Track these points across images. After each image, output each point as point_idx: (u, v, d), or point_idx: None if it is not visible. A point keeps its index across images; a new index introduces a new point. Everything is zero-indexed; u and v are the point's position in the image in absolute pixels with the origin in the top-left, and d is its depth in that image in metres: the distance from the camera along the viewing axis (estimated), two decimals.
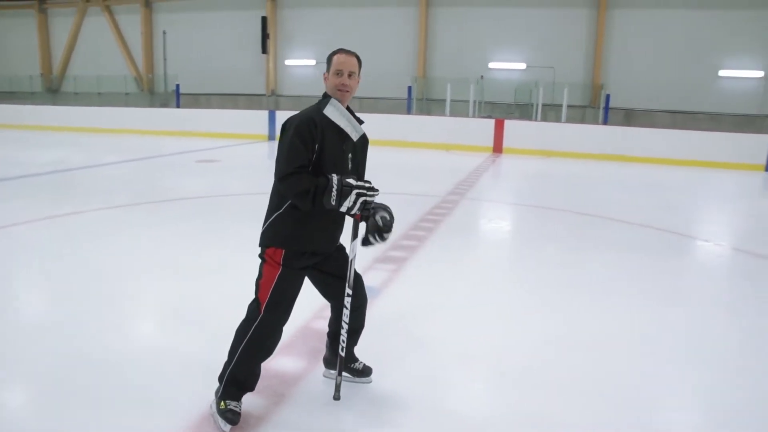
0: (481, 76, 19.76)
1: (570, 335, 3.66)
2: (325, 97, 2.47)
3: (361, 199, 2.36)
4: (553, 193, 9.91)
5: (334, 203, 2.32)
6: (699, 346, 3.66)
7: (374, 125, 18.09)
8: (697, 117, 18.50)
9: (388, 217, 2.47)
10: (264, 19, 21.08)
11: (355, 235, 2.55)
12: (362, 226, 2.53)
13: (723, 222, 8.56)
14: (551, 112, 18.62)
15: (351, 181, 2.36)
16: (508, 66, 20.36)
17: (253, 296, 2.49)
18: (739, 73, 18.53)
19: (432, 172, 11.78)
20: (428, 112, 20.17)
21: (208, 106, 21.47)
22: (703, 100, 18.75)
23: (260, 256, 2.50)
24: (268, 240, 2.46)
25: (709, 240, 6.93)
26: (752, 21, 18.22)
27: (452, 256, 5.56)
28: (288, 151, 2.32)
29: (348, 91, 2.46)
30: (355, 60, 2.47)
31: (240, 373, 2.44)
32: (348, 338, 2.64)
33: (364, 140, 2.47)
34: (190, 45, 22.72)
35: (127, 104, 22.07)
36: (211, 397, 2.54)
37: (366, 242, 2.51)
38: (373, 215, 2.45)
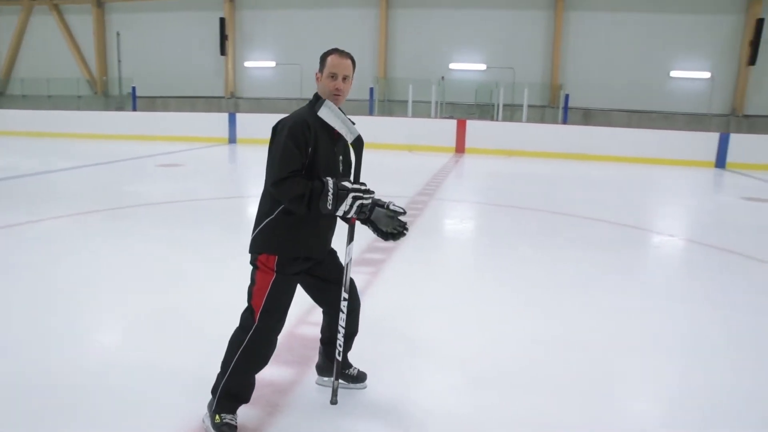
0: (442, 77, 19.92)
1: (555, 333, 3.69)
2: (317, 98, 2.41)
3: (358, 202, 2.31)
4: (519, 192, 10.05)
5: (330, 207, 2.27)
6: (673, 338, 3.75)
7: None
8: (652, 116, 19.12)
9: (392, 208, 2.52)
10: (222, 20, 20.73)
11: (350, 239, 2.50)
12: (356, 225, 2.49)
13: (681, 217, 8.86)
14: (512, 112, 18.92)
15: (347, 184, 2.30)
16: (468, 67, 20.58)
17: (245, 305, 2.41)
18: (689, 74, 19.25)
19: (398, 173, 11.79)
20: (390, 113, 20.21)
21: (166, 109, 20.96)
22: (656, 99, 19.39)
23: (252, 262, 2.42)
24: (259, 246, 2.38)
25: (671, 234, 7.15)
26: (699, 25, 18.96)
27: (428, 257, 5.57)
28: (282, 155, 2.25)
29: (341, 96, 2.40)
30: (349, 62, 2.41)
31: (235, 385, 2.36)
32: (344, 342, 2.59)
33: (359, 142, 2.42)
34: (146, 47, 22.14)
35: (79, 108, 21.36)
36: (201, 411, 2.45)
37: (388, 236, 2.53)
38: (382, 207, 2.48)
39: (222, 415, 2.34)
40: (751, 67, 18.58)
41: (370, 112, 19.32)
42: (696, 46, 19.11)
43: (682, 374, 3.23)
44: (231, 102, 21.59)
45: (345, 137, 2.39)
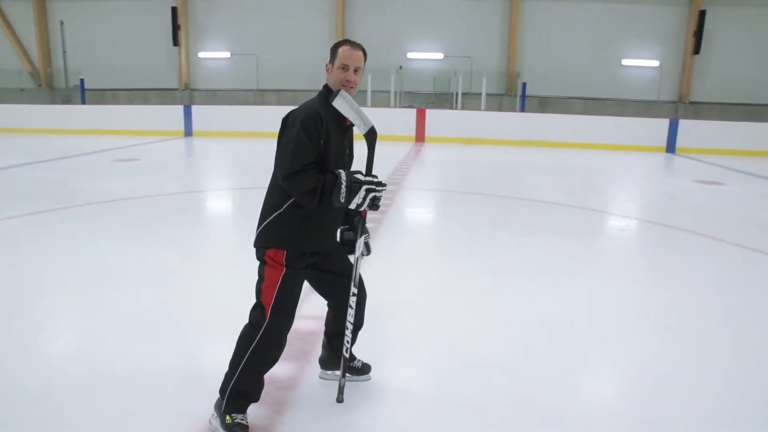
0: (400, 67, 19.92)
1: (546, 317, 3.78)
2: (327, 90, 2.36)
3: (371, 194, 2.29)
4: (483, 180, 10.21)
5: (343, 200, 2.24)
6: (654, 316, 3.90)
7: None
8: (605, 103, 19.66)
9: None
10: (174, 10, 20.08)
11: (361, 233, 2.48)
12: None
13: (642, 200, 9.16)
14: (470, 100, 19.10)
15: (359, 177, 2.28)
16: (426, 56, 20.64)
17: (254, 301, 2.36)
18: (639, 62, 19.86)
19: (360, 163, 11.73)
20: None
21: (116, 102, 20.22)
22: (610, 87, 19.95)
23: (259, 257, 2.36)
24: (267, 240, 2.33)
25: (635, 217, 7.41)
26: (648, 15, 19.56)
27: (406, 246, 5.60)
28: (294, 148, 2.20)
29: (353, 87, 2.36)
30: (361, 54, 2.37)
31: (245, 384, 2.32)
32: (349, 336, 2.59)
33: (372, 133, 2.39)
34: (93, 37, 21.24)
35: (23, 101, 20.37)
36: (200, 412, 2.41)
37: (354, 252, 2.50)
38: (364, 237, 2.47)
39: (233, 415, 2.30)
40: (696, 56, 19.32)
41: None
42: (645, 35, 19.72)
43: (659, 348, 3.36)
44: (185, 94, 21.01)
45: (358, 128, 2.36)
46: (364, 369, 2.80)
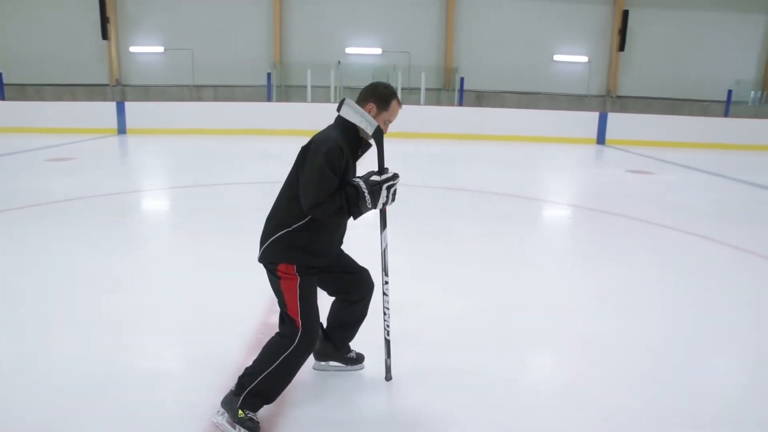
0: (339, 62, 19.90)
1: (514, 303, 3.99)
2: (343, 122, 2.43)
3: (392, 189, 2.42)
4: (430, 172, 10.43)
5: (369, 206, 2.37)
6: (610, 296, 4.19)
7: (234, 114, 17.51)
8: (538, 97, 20.40)
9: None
10: (102, 1, 19.16)
11: (384, 226, 2.64)
12: None
13: (581, 189, 9.66)
14: (409, 95, 19.33)
15: (375, 178, 2.39)
16: (364, 51, 20.70)
17: (281, 317, 2.44)
18: (569, 58, 20.72)
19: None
20: (288, 99, 19.93)
21: (40, 98, 19.12)
22: (542, 81, 20.71)
23: (271, 271, 2.42)
24: (277, 257, 2.39)
25: (577, 205, 7.81)
26: (577, 13, 20.43)
27: (360, 237, 5.69)
28: (319, 180, 2.28)
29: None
30: None
31: (271, 388, 2.38)
32: (352, 328, 2.72)
33: (379, 132, 2.45)
34: (12, 29, 19.96)
35: None
36: (187, 413, 2.44)
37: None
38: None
39: (246, 411, 2.35)
40: (621, 53, 20.36)
41: (269, 98, 18.94)
42: (575, 33, 20.60)
43: (611, 320, 3.64)
44: (117, 90, 20.13)
45: (365, 130, 2.42)
46: (359, 358, 2.92)
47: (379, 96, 2.44)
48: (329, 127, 2.47)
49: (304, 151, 2.35)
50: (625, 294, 4.28)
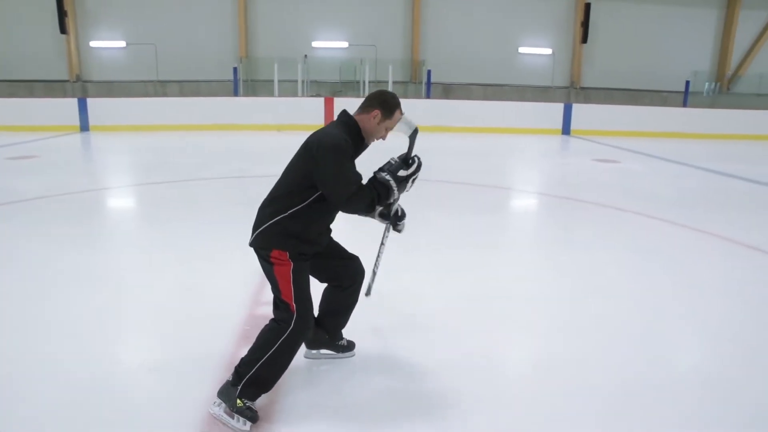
0: (305, 56, 19.77)
1: (484, 286, 4.10)
2: (347, 119, 2.51)
3: (415, 177, 2.55)
4: None
5: (396, 197, 2.51)
6: (587, 281, 4.33)
7: (200, 109, 17.19)
8: (505, 89, 20.66)
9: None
10: None
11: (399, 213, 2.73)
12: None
13: (551, 178, 9.86)
14: (377, 88, 19.29)
15: (403, 172, 2.48)
16: (331, 45, 20.62)
17: (275, 303, 2.48)
18: (534, 50, 21.04)
19: (272, 154, 11.54)
20: (255, 94, 19.74)
21: None
22: (508, 73, 20.98)
23: (264, 258, 2.44)
24: (270, 242, 2.42)
25: (548, 194, 8.00)
26: (541, 5, 20.76)
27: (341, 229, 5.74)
28: (341, 174, 2.37)
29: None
30: None
31: (268, 375, 2.41)
32: (344, 314, 2.80)
33: (415, 132, 2.62)
34: None
35: None
36: (181, 407, 2.46)
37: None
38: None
39: (244, 400, 2.37)
40: (584, 45, 20.77)
41: (235, 93, 18.72)
42: (539, 25, 20.91)
43: (587, 301, 3.79)
44: (78, 86, 19.56)
45: (407, 131, 2.57)
46: (350, 346, 2.97)
47: (387, 104, 2.50)
48: (331, 125, 2.52)
49: (310, 150, 2.39)
50: (599, 275, 4.45)
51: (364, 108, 2.51)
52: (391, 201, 2.49)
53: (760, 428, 2.53)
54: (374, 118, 2.49)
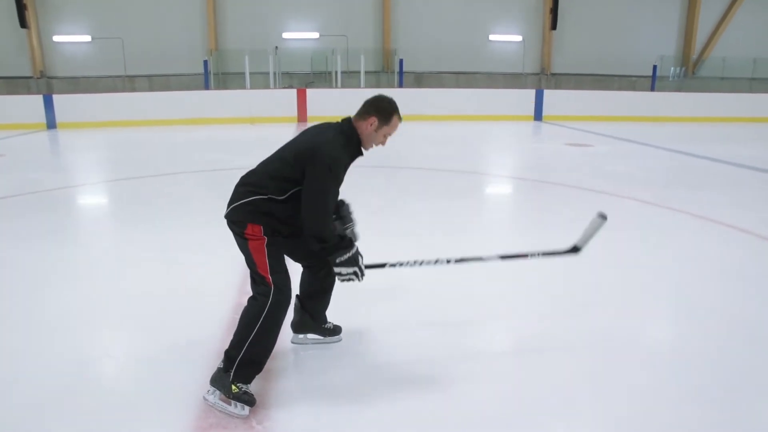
0: (276, 47, 19.61)
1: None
2: (350, 127, 2.50)
3: (351, 273, 2.49)
4: (376, 152, 10.49)
5: (338, 261, 2.44)
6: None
7: (171, 104, 16.95)
8: (476, 77, 20.79)
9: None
10: None
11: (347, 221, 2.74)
12: None
13: (527, 163, 10.00)
14: (349, 78, 19.31)
15: (360, 256, 2.49)
16: (301, 35, 20.48)
17: (252, 278, 2.46)
18: (504, 37, 21.20)
19: (245, 146, 11.44)
20: (226, 86, 19.53)
21: None
22: (479, 61, 21.11)
23: (239, 233, 2.41)
24: (245, 216, 2.39)
25: (516, 177, 8.12)
26: None
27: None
28: (324, 199, 2.37)
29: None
30: None
31: (260, 352, 2.40)
32: (323, 296, 2.83)
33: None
34: None
35: None
36: (174, 396, 2.47)
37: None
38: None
39: (239, 384, 2.36)
40: (554, 31, 20.99)
41: (206, 86, 18.49)
42: (509, 12, 21.05)
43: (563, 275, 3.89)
44: (42, 82, 19.09)
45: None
46: (336, 330, 2.98)
47: (382, 110, 2.48)
48: (335, 132, 2.47)
49: (309, 150, 2.36)
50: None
51: (361, 115, 2.50)
52: (336, 259, 2.44)
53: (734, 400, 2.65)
54: (371, 125, 2.48)
